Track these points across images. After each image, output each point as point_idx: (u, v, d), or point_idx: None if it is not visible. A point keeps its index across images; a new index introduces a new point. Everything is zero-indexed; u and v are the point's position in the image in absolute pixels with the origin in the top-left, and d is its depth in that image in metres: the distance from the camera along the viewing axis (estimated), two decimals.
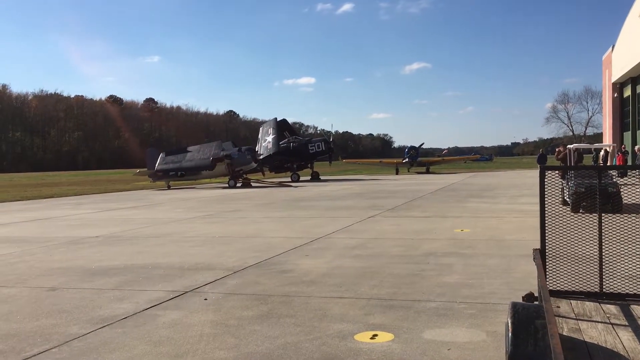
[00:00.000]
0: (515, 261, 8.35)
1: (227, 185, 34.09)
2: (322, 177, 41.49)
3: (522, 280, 7.02)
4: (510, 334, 3.44)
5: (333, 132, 59.51)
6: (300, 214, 16.51)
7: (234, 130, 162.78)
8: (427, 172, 51.18)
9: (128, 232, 13.22)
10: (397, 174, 49.65)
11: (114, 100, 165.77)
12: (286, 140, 41.03)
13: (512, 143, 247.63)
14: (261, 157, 38.19)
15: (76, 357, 4.77)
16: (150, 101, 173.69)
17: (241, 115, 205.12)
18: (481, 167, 67.56)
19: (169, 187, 35.13)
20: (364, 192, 26.24)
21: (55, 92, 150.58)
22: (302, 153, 40.39)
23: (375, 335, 5.13)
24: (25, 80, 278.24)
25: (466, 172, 49.97)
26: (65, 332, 5.47)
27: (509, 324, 3.49)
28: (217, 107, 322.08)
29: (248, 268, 8.41)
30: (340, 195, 24.14)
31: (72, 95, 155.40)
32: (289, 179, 38.92)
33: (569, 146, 18.49)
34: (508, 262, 8.37)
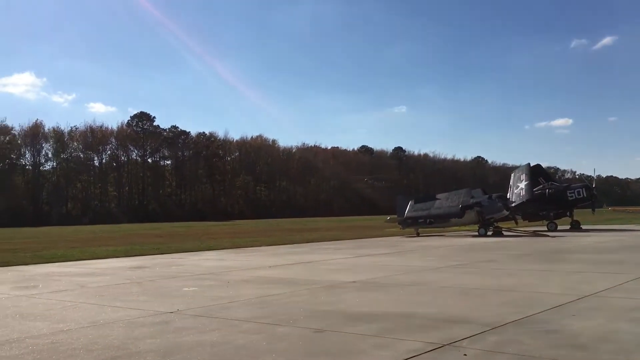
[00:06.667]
0: None
1: (476, 233, 33.23)
2: (583, 227, 37.87)
3: None
4: None
5: (595, 176, 54.31)
6: (562, 267, 15.17)
7: (482, 177, 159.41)
8: None
9: (383, 279, 13.63)
10: None
11: (365, 150, 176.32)
12: (541, 186, 38.59)
13: None
14: (513, 204, 36.51)
15: None
16: (398, 150, 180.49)
17: (490, 161, 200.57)
18: None
19: (418, 234, 35.57)
20: (637, 244, 23.13)
21: (314, 145, 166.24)
22: (560, 200, 37.50)
23: None
24: (290, 135, 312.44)
25: None
26: None
27: None
28: (464, 153, 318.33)
29: (507, 325, 7.94)
30: (607, 248, 21.64)
31: (329, 147, 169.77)
32: (545, 228, 36.37)
33: None
34: None
